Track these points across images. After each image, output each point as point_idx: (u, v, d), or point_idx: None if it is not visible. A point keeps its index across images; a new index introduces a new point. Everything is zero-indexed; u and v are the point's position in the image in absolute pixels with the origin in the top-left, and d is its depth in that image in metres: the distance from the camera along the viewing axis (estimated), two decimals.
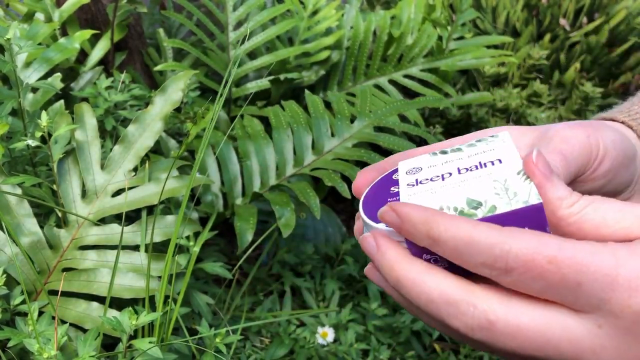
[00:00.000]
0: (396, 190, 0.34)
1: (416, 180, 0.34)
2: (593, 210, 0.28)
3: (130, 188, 0.73)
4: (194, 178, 0.55)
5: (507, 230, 0.27)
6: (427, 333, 1.08)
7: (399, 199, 0.32)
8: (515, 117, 1.44)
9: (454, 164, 0.34)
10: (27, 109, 0.80)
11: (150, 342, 0.48)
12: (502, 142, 0.34)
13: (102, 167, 0.75)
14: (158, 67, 1.03)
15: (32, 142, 0.63)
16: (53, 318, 0.57)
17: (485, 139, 0.35)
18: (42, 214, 0.74)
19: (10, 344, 0.54)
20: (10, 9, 1.06)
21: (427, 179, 0.33)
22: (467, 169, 0.33)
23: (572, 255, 0.25)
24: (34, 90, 0.82)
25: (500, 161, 0.32)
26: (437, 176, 0.33)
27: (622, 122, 0.40)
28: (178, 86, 0.77)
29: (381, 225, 0.31)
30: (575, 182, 0.34)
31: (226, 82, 0.73)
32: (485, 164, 0.33)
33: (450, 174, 0.33)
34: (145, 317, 0.49)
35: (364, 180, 0.37)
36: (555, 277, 0.25)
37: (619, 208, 0.28)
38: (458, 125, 1.44)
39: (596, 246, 0.26)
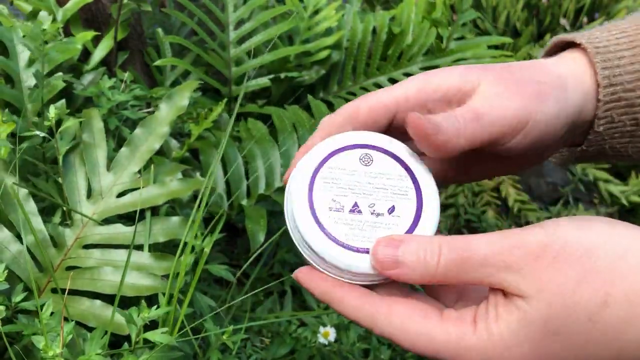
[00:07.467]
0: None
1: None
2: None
3: (135, 189, 0.75)
4: (210, 177, 0.55)
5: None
6: None
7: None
8: None
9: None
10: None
11: (162, 333, 0.49)
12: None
13: (108, 168, 0.76)
14: (157, 62, 1.04)
15: (41, 133, 0.64)
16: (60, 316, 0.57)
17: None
18: (45, 208, 0.74)
19: (25, 333, 0.55)
20: (12, 9, 1.06)
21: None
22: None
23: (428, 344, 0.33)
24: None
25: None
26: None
27: (580, 45, 0.41)
28: (184, 94, 0.80)
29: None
30: (498, 146, 0.37)
31: (228, 83, 0.73)
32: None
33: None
34: (157, 311, 0.50)
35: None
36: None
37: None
38: None
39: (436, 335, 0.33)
